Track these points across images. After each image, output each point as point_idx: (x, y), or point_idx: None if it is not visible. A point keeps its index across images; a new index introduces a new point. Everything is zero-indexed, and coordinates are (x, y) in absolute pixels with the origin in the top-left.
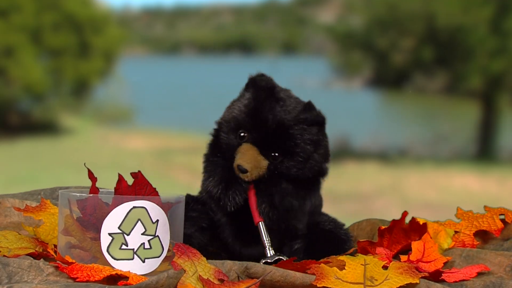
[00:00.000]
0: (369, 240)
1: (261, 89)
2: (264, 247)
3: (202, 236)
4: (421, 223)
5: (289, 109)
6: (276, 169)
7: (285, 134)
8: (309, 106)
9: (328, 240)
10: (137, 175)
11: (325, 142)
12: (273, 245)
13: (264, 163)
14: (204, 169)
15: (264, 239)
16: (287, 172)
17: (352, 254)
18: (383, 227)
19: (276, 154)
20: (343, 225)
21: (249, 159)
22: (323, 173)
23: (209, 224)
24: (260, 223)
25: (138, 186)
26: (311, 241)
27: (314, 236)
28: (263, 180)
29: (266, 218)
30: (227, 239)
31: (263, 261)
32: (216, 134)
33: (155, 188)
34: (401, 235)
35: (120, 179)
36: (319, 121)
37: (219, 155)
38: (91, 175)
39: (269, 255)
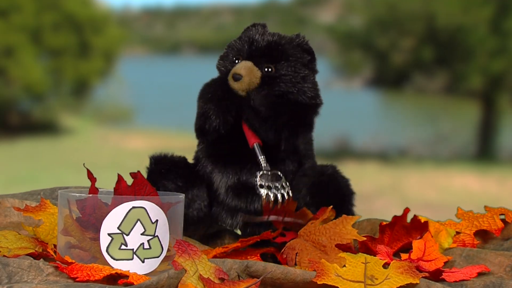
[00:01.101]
0: (370, 236)
1: (253, 25)
2: (260, 164)
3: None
4: (422, 221)
5: (284, 36)
6: (267, 82)
7: (277, 49)
8: (298, 35)
9: (334, 188)
10: (136, 175)
11: (313, 78)
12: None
13: (258, 72)
14: (200, 98)
15: (260, 157)
16: (278, 86)
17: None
18: (384, 223)
19: (269, 69)
20: (342, 174)
21: (243, 66)
22: (315, 105)
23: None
24: (255, 144)
25: (137, 186)
26: (316, 186)
27: (319, 181)
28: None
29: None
30: (219, 191)
31: (259, 173)
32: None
33: (154, 188)
34: (402, 232)
35: (120, 179)
36: (310, 50)
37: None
38: (90, 175)
39: (264, 165)
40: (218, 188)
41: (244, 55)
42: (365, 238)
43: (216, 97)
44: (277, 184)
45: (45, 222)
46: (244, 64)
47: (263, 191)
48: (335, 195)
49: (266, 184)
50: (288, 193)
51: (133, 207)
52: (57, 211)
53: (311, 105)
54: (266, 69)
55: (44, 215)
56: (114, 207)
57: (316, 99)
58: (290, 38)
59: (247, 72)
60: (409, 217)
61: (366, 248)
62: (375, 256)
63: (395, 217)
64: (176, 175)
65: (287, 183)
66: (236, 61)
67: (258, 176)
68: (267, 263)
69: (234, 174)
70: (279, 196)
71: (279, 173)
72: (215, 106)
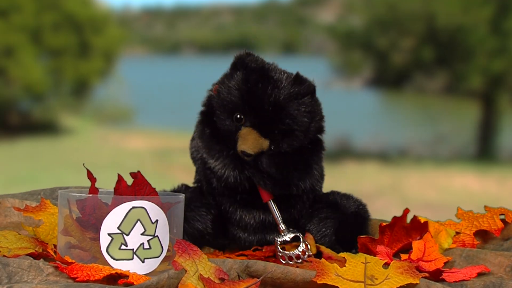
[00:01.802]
0: (370, 237)
1: (252, 70)
2: (277, 224)
3: (213, 229)
4: (422, 221)
5: (282, 86)
6: (277, 146)
7: (281, 113)
8: (298, 78)
9: (357, 223)
10: (136, 175)
11: (317, 107)
12: (285, 222)
13: (266, 143)
14: (207, 153)
15: (276, 215)
16: (289, 148)
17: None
18: (384, 223)
19: (276, 132)
20: (362, 202)
21: (251, 144)
22: (321, 130)
23: (215, 214)
24: (270, 201)
25: (137, 186)
26: (341, 224)
27: (345, 223)
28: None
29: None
30: (234, 226)
31: (280, 239)
32: (207, 111)
33: (154, 188)
34: (402, 233)
35: (120, 179)
36: (311, 91)
37: (214, 137)
38: (90, 176)
39: (282, 228)
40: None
41: (247, 120)
42: None
43: (223, 155)
44: (298, 252)
45: (45, 222)
46: (251, 140)
47: (283, 261)
48: (360, 233)
49: (287, 255)
50: (308, 255)
51: (133, 207)
52: (57, 211)
53: (318, 149)
54: (272, 134)
55: (44, 215)
56: (114, 207)
57: (321, 132)
58: (290, 86)
59: (256, 150)
60: (409, 218)
61: (366, 248)
62: (375, 256)
63: (394, 217)
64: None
65: (306, 243)
66: (238, 116)
67: (278, 243)
68: (267, 262)
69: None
70: (299, 261)
71: (299, 234)
72: (228, 163)
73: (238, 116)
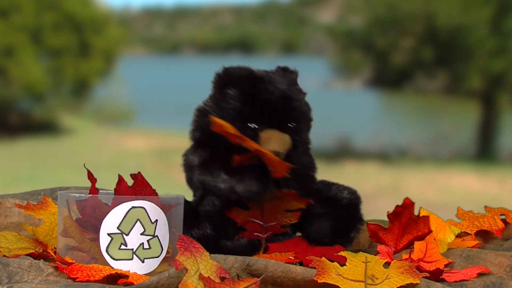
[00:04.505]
0: (380, 225)
1: (244, 79)
2: None
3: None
4: (426, 215)
5: (276, 81)
6: (296, 140)
7: (288, 103)
8: (284, 69)
9: (352, 215)
10: (137, 176)
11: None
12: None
13: (287, 137)
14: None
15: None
16: (306, 140)
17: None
18: (389, 212)
19: (292, 125)
20: (351, 189)
21: (277, 143)
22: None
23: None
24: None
25: (138, 187)
26: (336, 221)
27: (338, 214)
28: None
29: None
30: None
31: None
32: (202, 137)
33: (155, 190)
34: (412, 224)
35: (120, 180)
36: (296, 77)
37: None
38: (90, 176)
39: None
40: None
41: (262, 126)
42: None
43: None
44: None
45: (45, 222)
46: (275, 138)
47: None
48: (355, 223)
49: None
50: None
51: (133, 207)
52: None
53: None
54: (290, 127)
55: (45, 214)
56: (114, 207)
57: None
58: (281, 78)
59: (283, 148)
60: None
61: (377, 237)
62: (383, 244)
63: (398, 206)
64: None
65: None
66: (253, 126)
67: None
68: (268, 261)
69: None
70: None
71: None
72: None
73: (253, 126)
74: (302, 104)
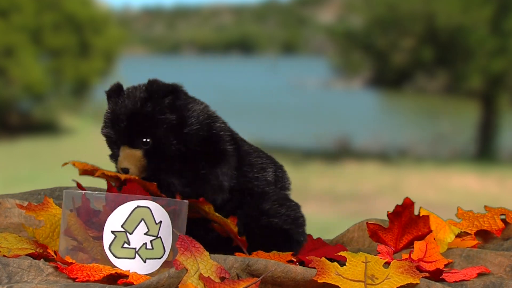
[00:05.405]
0: (380, 225)
1: (110, 95)
2: None
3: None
4: (426, 214)
5: (133, 95)
6: (155, 154)
7: (139, 118)
8: (151, 83)
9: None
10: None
11: (190, 107)
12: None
13: (138, 152)
14: None
15: None
16: (169, 152)
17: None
18: (389, 212)
19: (145, 139)
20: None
21: (126, 159)
22: (209, 130)
23: None
24: None
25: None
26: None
27: (255, 233)
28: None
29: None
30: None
31: None
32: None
33: (148, 192)
34: (412, 224)
35: (109, 186)
36: (169, 91)
37: None
38: (79, 186)
39: None
40: None
41: (118, 144)
42: None
43: None
44: None
45: (45, 224)
46: (123, 156)
47: None
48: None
49: None
50: None
51: (138, 206)
52: (58, 212)
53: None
54: (144, 141)
55: (46, 215)
56: (119, 205)
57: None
58: (142, 92)
59: (130, 164)
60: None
61: (377, 237)
62: (383, 244)
63: (398, 206)
64: None
65: None
66: (114, 150)
67: None
68: (268, 260)
69: None
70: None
71: None
72: None
73: (115, 149)
74: (155, 115)
